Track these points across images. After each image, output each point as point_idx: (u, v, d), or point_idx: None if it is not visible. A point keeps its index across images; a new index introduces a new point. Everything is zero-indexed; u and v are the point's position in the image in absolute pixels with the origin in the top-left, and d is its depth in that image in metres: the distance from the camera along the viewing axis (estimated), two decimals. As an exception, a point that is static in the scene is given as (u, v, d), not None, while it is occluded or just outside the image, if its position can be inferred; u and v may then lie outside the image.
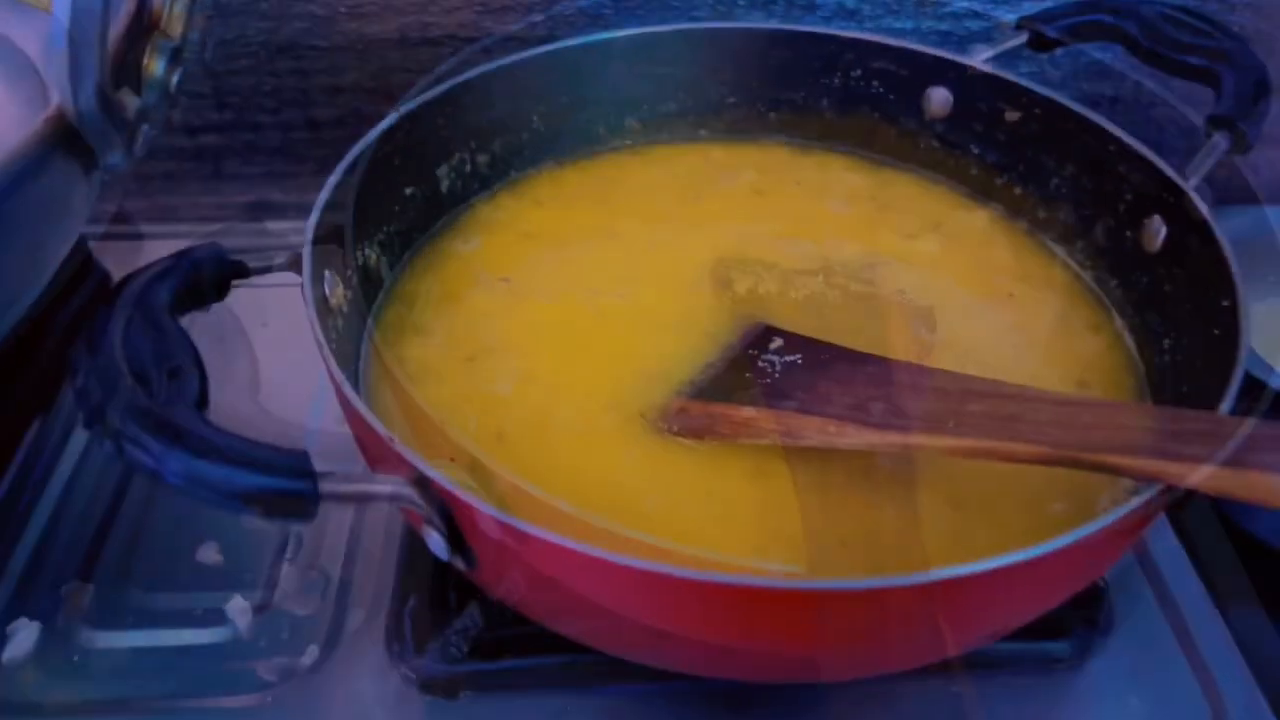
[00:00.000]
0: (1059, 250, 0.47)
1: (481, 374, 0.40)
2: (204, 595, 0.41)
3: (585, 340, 0.42)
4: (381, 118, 0.70)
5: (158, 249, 0.58)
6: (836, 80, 0.51)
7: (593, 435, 0.37)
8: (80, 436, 0.48)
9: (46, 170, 0.34)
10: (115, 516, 0.44)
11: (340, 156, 0.72)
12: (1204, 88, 0.44)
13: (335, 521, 0.43)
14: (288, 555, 0.43)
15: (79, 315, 0.48)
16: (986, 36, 0.67)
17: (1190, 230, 0.39)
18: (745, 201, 0.50)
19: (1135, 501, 0.28)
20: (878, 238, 0.48)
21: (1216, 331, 0.35)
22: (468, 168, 0.48)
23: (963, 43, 0.68)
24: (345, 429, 0.34)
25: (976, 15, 0.67)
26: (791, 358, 0.39)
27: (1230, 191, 0.71)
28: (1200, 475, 0.26)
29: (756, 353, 0.40)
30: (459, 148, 0.47)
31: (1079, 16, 0.47)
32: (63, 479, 0.46)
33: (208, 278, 0.34)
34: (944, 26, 0.68)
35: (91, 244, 0.58)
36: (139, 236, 0.65)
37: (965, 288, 0.45)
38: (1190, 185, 0.40)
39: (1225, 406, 0.31)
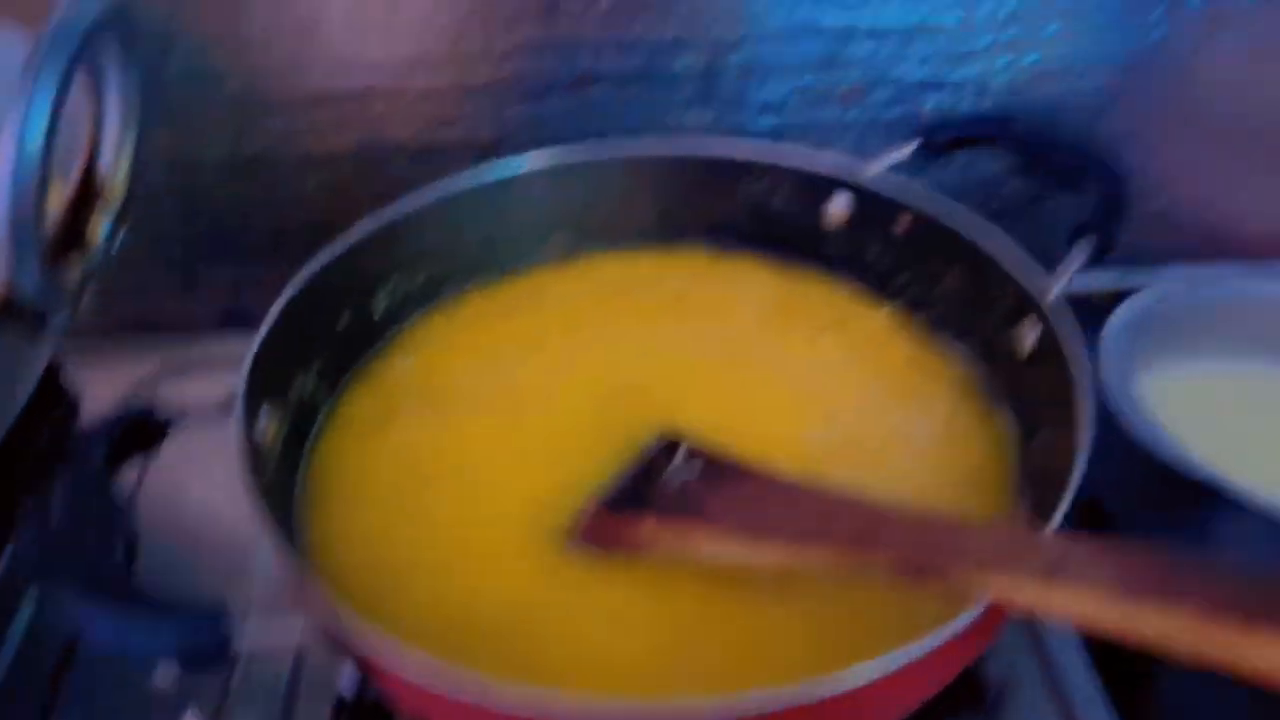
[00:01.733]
0: (951, 347, 0.50)
1: (408, 496, 0.44)
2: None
3: (510, 457, 0.45)
4: (345, 225, 0.74)
5: (128, 365, 0.62)
6: (746, 192, 0.54)
7: (510, 553, 0.40)
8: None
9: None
10: (76, 644, 0.47)
11: (306, 257, 0.76)
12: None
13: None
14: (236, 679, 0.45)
15: (51, 441, 0.51)
16: (910, 122, 0.71)
17: (1053, 340, 0.42)
18: (666, 309, 0.53)
19: (959, 621, 0.31)
20: (786, 339, 0.51)
21: (1064, 445, 0.38)
22: (401, 292, 0.52)
23: (888, 129, 0.72)
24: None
25: (898, 102, 0.71)
26: (692, 470, 0.42)
27: (1165, 252, 0.75)
28: (1013, 592, 0.29)
29: (662, 463, 0.43)
30: (393, 273, 0.51)
31: (962, 129, 0.51)
32: (25, 619, 0.48)
33: (142, 433, 0.37)
34: (869, 115, 0.72)
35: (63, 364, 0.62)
36: (112, 348, 0.68)
37: (865, 385, 0.48)
38: (1052, 295, 0.43)
39: (1055, 522, 0.34)
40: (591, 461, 0.45)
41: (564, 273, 0.55)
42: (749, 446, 0.45)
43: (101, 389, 0.61)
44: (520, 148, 0.71)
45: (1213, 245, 0.79)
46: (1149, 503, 0.55)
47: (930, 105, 0.72)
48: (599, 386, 0.49)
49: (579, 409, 0.47)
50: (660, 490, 0.41)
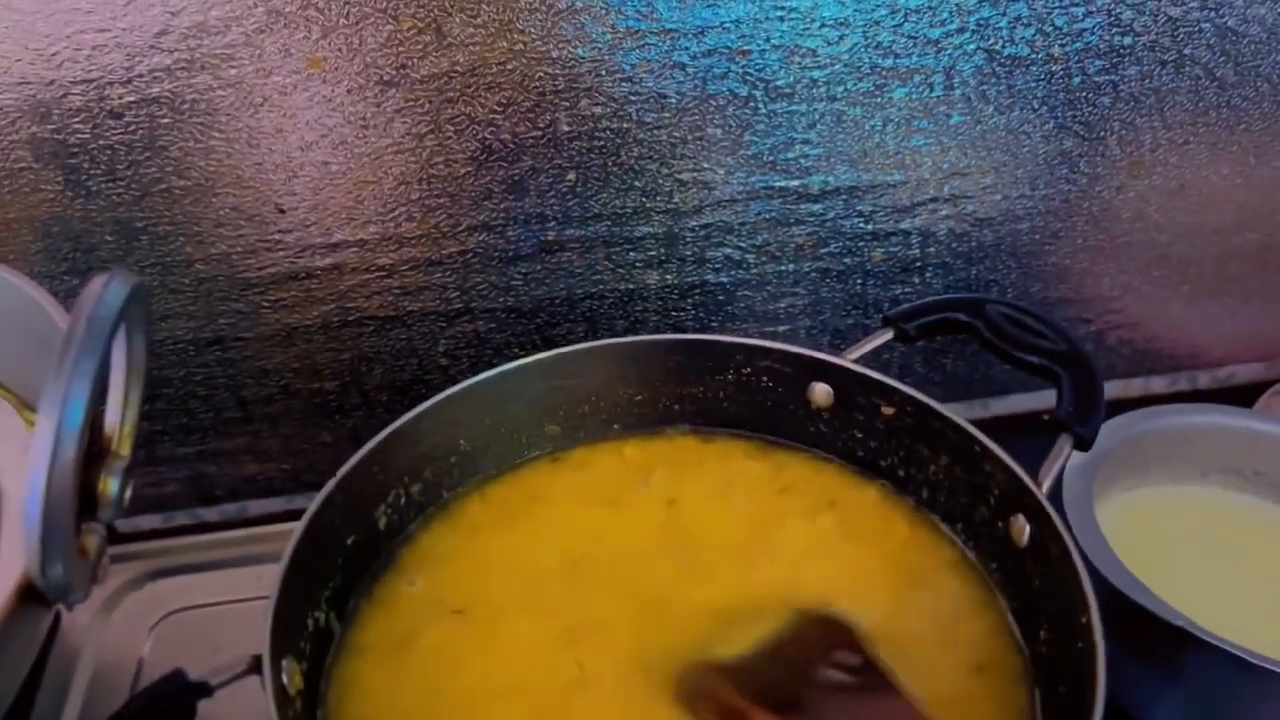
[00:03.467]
0: (945, 528, 0.52)
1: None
2: None
3: (526, 662, 0.45)
4: (310, 393, 0.74)
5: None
6: (730, 376, 0.56)
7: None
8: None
9: (14, 627, 0.36)
10: None
11: (273, 429, 0.76)
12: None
13: None
14: None
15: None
16: (862, 269, 0.75)
17: (1049, 536, 0.44)
18: (661, 498, 0.54)
19: None
20: (784, 520, 0.53)
21: (1080, 644, 0.40)
22: (403, 501, 0.52)
23: (841, 277, 0.75)
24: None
25: (850, 253, 0.75)
26: (841, 675, 0.41)
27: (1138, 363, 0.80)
28: None
29: (807, 656, 0.42)
30: (394, 486, 0.51)
31: (934, 315, 0.54)
32: None
33: (176, 709, 0.37)
34: (822, 264, 0.75)
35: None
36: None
37: (865, 569, 0.50)
38: (1044, 490, 0.45)
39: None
40: (611, 659, 0.45)
41: (557, 467, 0.56)
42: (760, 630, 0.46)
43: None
44: (487, 313, 0.73)
45: (1140, 363, 0.85)
46: (1120, 636, 0.57)
47: (879, 253, 0.75)
48: (604, 582, 0.49)
49: (589, 607, 0.48)
50: (797, 684, 0.40)
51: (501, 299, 0.72)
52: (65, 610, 0.38)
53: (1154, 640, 0.54)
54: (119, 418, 0.42)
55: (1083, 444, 0.47)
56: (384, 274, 0.70)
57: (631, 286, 0.73)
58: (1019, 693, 0.44)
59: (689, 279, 0.74)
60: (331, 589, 0.47)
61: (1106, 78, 0.69)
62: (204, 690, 0.38)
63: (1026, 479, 0.46)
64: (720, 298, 0.75)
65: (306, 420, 0.75)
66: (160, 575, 0.61)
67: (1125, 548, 0.54)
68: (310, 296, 0.70)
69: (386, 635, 0.47)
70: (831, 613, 0.45)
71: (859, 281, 0.76)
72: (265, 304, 0.69)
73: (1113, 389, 0.84)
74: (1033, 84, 0.68)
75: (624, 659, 0.44)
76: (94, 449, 0.41)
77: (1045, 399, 0.52)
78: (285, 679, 0.41)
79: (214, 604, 0.57)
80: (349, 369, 0.74)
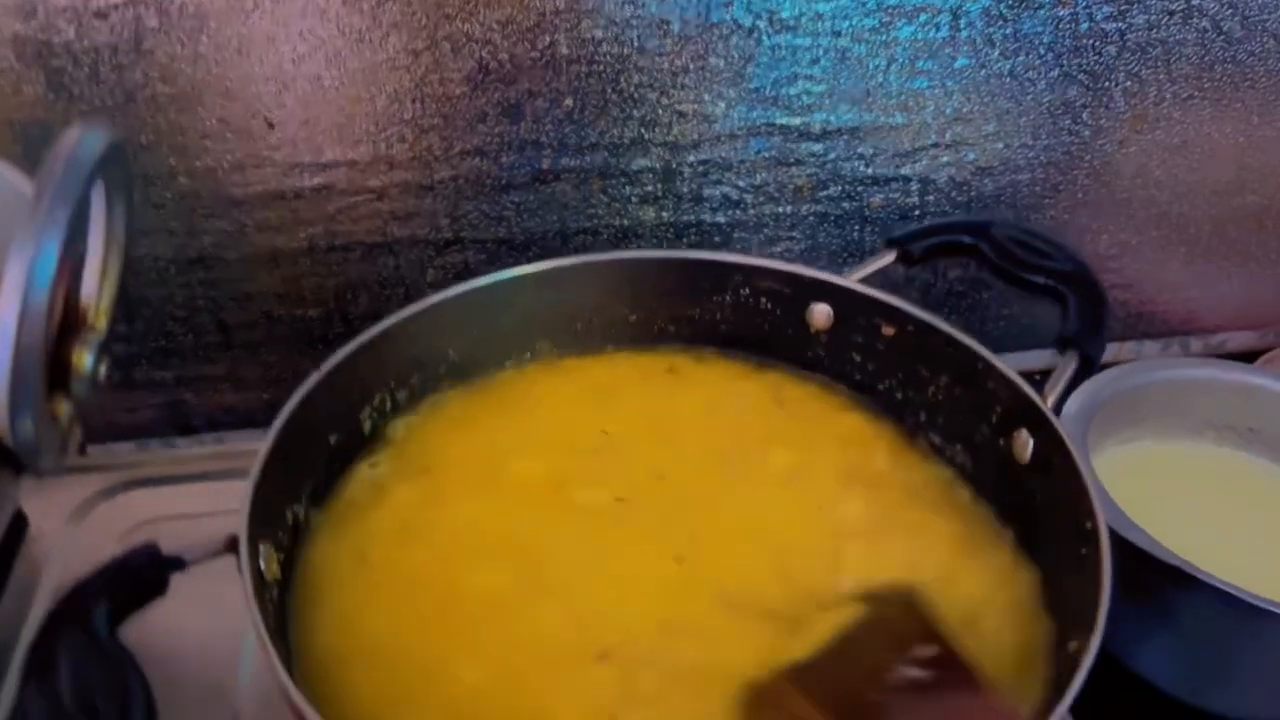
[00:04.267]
0: (943, 452, 0.51)
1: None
2: None
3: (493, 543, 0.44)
4: (294, 320, 0.72)
5: (68, 483, 0.59)
6: (728, 297, 0.55)
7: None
8: (7, 697, 0.48)
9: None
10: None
11: (253, 356, 0.74)
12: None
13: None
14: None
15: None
16: (860, 215, 0.74)
17: (1053, 449, 0.43)
18: (654, 409, 0.53)
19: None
20: (774, 442, 0.51)
21: (1084, 550, 0.39)
22: (388, 406, 0.51)
23: (839, 222, 0.74)
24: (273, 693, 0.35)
25: (849, 198, 0.74)
26: (920, 672, 0.37)
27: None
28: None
29: (882, 653, 0.38)
30: (379, 389, 0.50)
31: (939, 237, 0.53)
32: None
33: (147, 581, 0.35)
34: (820, 208, 0.74)
35: None
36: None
37: (864, 496, 0.49)
38: (1049, 404, 0.44)
39: (1094, 639, 0.35)
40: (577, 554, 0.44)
41: (549, 373, 0.54)
42: (744, 557, 0.45)
43: (39, 497, 0.58)
44: (477, 243, 0.71)
45: (1134, 326, 0.84)
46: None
47: (878, 199, 0.74)
48: (585, 484, 0.48)
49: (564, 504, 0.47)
50: (872, 686, 0.37)
51: (493, 229, 0.71)
52: (34, 473, 0.36)
53: (1145, 581, 0.54)
54: (96, 290, 0.40)
55: (1089, 363, 0.46)
56: (374, 197, 0.68)
57: (626, 223, 0.72)
58: (1023, 612, 0.43)
59: (685, 217, 0.72)
60: (312, 485, 0.46)
61: (1114, 25, 0.68)
62: (178, 564, 0.36)
63: (1032, 393, 0.45)
64: (716, 239, 0.74)
65: (288, 348, 0.73)
66: (133, 486, 0.60)
67: (1119, 499, 0.53)
68: (297, 218, 0.68)
69: (356, 501, 0.45)
70: (905, 595, 0.41)
71: (856, 228, 0.75)
72: (250, 223, 0.68)
73: (1106, 352, 0.84)
74: (1039, 28, 0.68)
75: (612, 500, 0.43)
76: (69, 320, 0.39)
77: (1040, 359, 0.50)
78: (262, 564, 0.39)
79: (187, 515, 0.55)
80: (334, 296, 0.72)
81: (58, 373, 0.37)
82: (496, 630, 0.41)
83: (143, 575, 0.35)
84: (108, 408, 0.73)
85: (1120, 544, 0.51)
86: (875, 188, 0.73)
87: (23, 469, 0.36)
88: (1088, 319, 0.46)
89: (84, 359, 0.38)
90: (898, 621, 0.40)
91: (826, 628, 0.40)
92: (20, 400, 0.32)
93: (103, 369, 0.39)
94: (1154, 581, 0.53)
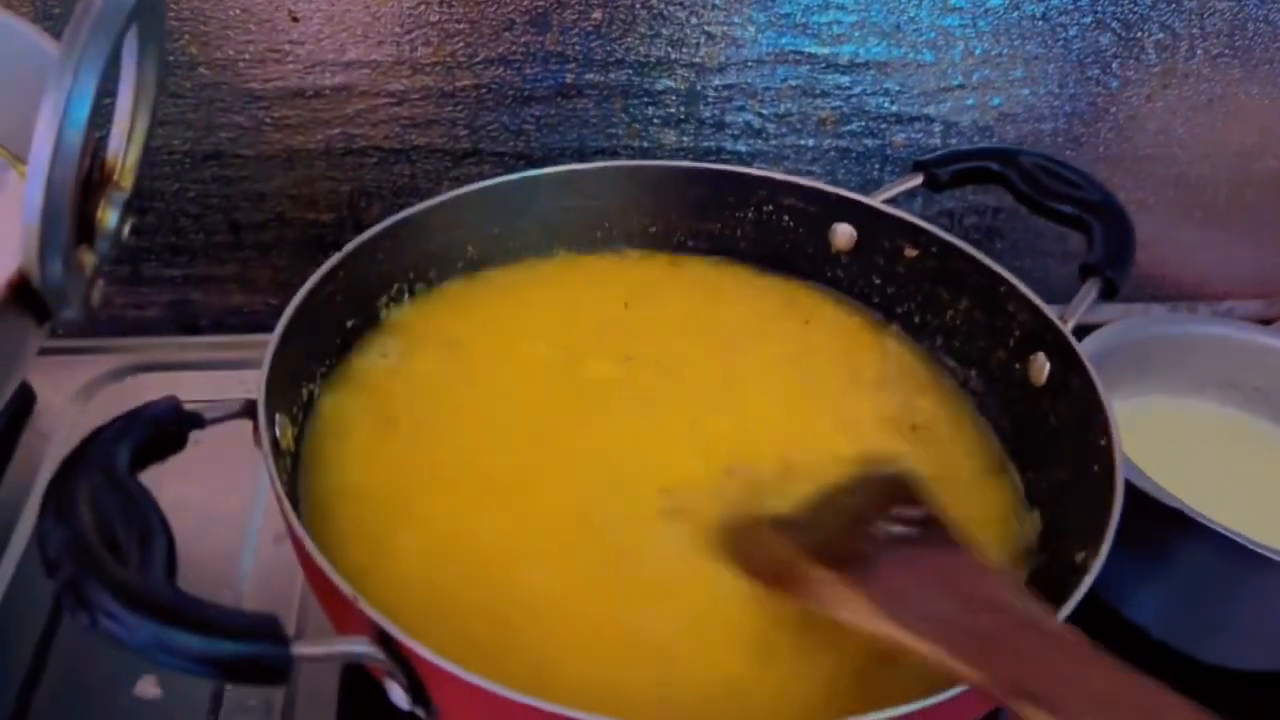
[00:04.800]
0: (958, 374, 0.51)
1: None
2: (144, 732, 0.41)
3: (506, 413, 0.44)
4: (306, 223, 0.72)
5: (77, 363, 0.59)
6: (750, 213, 0.55)
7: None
8: (6, 570, 0.48)
9: (2, 328, 0.35)
10: (48, 653, 0.44)
11: (263, 258, 0.73)
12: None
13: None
14: (228, 686, 0.43)
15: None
16: (881, 153, 0.73)
17: (1071, 370, 0.44)
18: (671, 305, 0.53)
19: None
20: (781, 341, 0.51)
21: (1095, 468, 0.40)
22: (405, 295, 0.50)
23: (860, 159, 0.74)
24: (278, 564, 0.35)
25: (871, 134, 0.73)
26: (901, 528, 0.38)
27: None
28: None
29: (865, 509, 0.39)
30: (398, 279, 0.50)
31: (967, 163, 0.52)
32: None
33: (167, 433, 0.35)
34: (842, 143, 0.73)
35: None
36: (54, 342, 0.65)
37: (866, 406, 0.49)
38: (1069, 327, 0.45)
39: (1103, 547, 0.35)
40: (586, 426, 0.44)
41: (561, 265, 0.54)
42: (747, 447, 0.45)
43: (47, 374, 0.58)
44: (495, 156, 0.71)
45: (1142, 287, 0.84)
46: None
47: (901, 138, 0.74)
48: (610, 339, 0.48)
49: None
50: (854, 538, 0.37)
51: (511, 143, 0.70)
52: (56, 319, 0.36)
53: (1143, 526, 0.54)
54: (123, 147, 0.40)
55: (1111, 289, 0.46)
56: (394, 101, 0.67)
57: (646, 145, 0.71)
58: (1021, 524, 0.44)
59: (705, 143, 0.72)
60: (327, 366, 0.46)
61: (1151, -29, 0.67)
62: (197, 420, 0.36)
63: (1052, 314, 0.45)
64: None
65: (298, 253, 0.73)
66: (141, 370, 0.59)
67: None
68: (316, 117, 0.67)
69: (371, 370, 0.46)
70: (894, 469, 0.42)
71: (877, 166, 0.75)
72: (268, 120, 0.67)
73: (1112, 311, 0.83)
74: (1077, -31, 0.67)
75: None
76: (94, 176, 0.39)
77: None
78: (277, 431, 0.39)
79: (194, 401, 0.55)
80: (347, 202, 0.71)
81: (84, 226, 0.37)
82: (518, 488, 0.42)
83: (163, 426, 0.35)
84: (115, 302, 0.72)
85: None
86: (898, 126, 0.72)
87: (45, 318, 0.36)
88: (1113, 247, 0.46)
89: (109, 215, 0.38)
90: (885, 485, 0.41)
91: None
92: (51, 240, 0.31)
93: (126, 227, 0.39)
94: (1152, 526, 0.53)
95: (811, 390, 0.48)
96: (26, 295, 0.35)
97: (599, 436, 0.44)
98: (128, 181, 0.40)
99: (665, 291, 0.53)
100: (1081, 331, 0.57)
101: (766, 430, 0.46)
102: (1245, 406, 0.66)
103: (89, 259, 0.37)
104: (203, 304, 0.75)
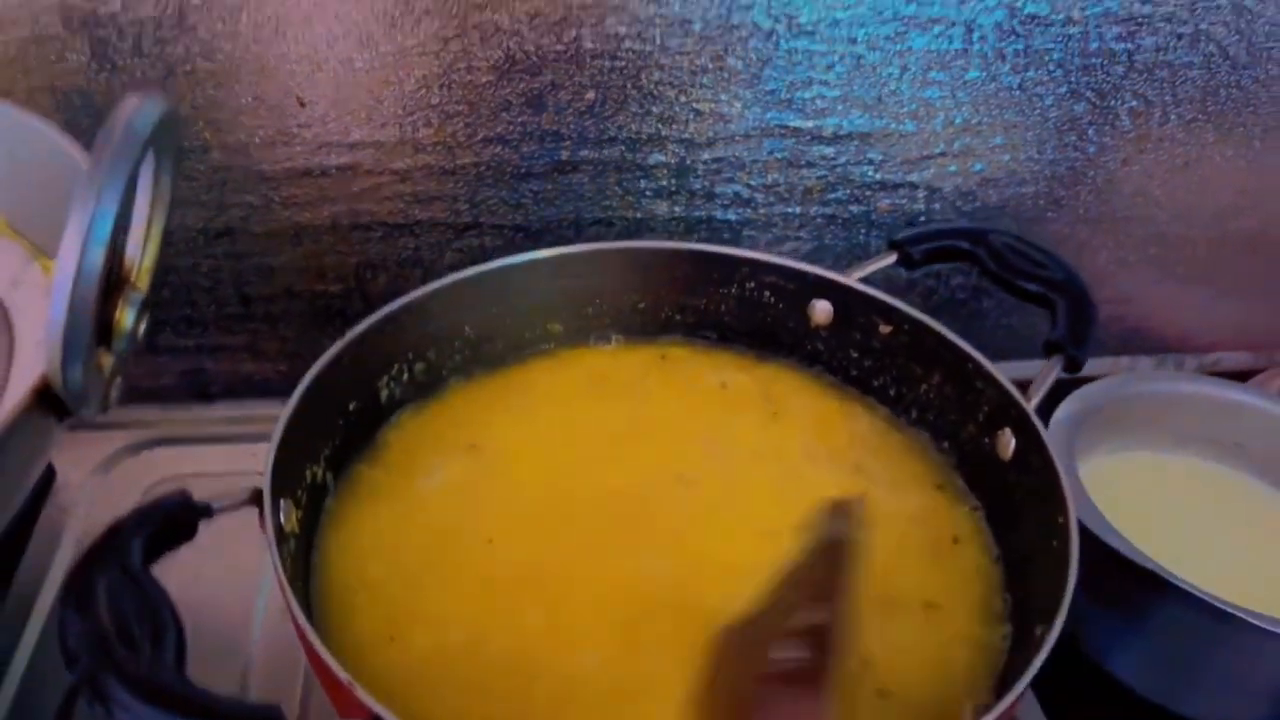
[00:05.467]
0: (930, 448, 0.53)
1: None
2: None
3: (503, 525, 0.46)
4: (315, 296, 0.75)
5: (95, 439, 0.62)
6: (734, 290, 0.57)
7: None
8: (29, 640, 0.50)
9: (24, 431, 0.37)
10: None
11: (273, 329, 0.76)
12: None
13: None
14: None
15: (20, 517, 0.51)
16: (866, 219, 0.76)
17: (1032, 447, 0.46)
18: (655, 400, 0.55)
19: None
20: (769, 430, 0.54)
21: (1054, 543, 0.42)
22: (405, 376, 0.53)
23: (846, 225, 0.76)
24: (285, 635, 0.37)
25: (857, 201, 0.76)
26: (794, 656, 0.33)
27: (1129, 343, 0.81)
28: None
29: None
30: (398, 359, 0.52)
31: (939, 242, 0.55)
32: (13, 686, 0.48)
33: (178, 524, 0.38)
34: (829, 210, 0.76)
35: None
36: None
37: (840, 479, 0.51)
38: (1032, 404, 0.47)
39: (1057, 622, 0.37)
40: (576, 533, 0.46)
41: (555, 364, 0.57)
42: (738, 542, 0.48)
43: (67, 450, 0.61)
44: (495, 229, 0.74)
45: (1129, 341, 0.86)
46: (1091, 584, 0.59)
47: (886, 204, 0.77)
48: (583, 476, 0.50)
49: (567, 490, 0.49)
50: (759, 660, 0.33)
51: (510, 216, 0.73)
52: (77, 413, 0.39)
53: (1121, 585, 0.55)
54: (139, 251, 0.43)
55: (1074, 365, 0.48)
56: (397, 179, 0.70)
57: (639, 215, 0.74)
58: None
59: (696, 213, 0.75)
60: (330, 449, 0.48)
61: (1123, 45, 0.70)
62: (205, 511, 0.39)
63: (1016, 393, 0.47)
64: (725, 236, 0.76)
65: (307, 323, 0.76)
66: (158, 444, 0.62)
67: (1104, 506, 0.55)
68: (323, 195, 0.70)
69: (380, 479, 0.48)
70: (838, 522, 0.38)
71: (863, 231, 0.77)
72: (278, 199, 0.70)
73: (1100, 365, 0.86)
74: (1050, 45, 0.70)
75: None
76: (113, 278, 0.42)
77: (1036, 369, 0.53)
78: (282, 517, 0.41)
79: (208, 474, 0.58)
80: (354, 274, 0.74)
81: (103, 329, 0.39)
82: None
83: (174, 518, 0.37)
84: (131, 372, 0.75)
85: (1099, 548, 0.53)
86: (883, 193, 0.75)
87: (65, 416, 0.39)
88: (1074, 324, 0.49)
89: (126, 316, 0.40)
90: (817, 567, 0.36)
91: None
92: (73, 350, 0.34)
93: (142, 327, 0.42)
94: (1129, 585, 0.55)
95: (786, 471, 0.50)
96: (49, 398, 0.37)
97: (616, 552, 0.46)
98: (144, 283, 0.42)
99: (658, 389, 0.55)
100: (1063, 390, 0.59)
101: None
102: (1226, 462, 0.68)
103: (108, 361, 0.39)
104: (215, 372, 0.78)
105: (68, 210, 0.35)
